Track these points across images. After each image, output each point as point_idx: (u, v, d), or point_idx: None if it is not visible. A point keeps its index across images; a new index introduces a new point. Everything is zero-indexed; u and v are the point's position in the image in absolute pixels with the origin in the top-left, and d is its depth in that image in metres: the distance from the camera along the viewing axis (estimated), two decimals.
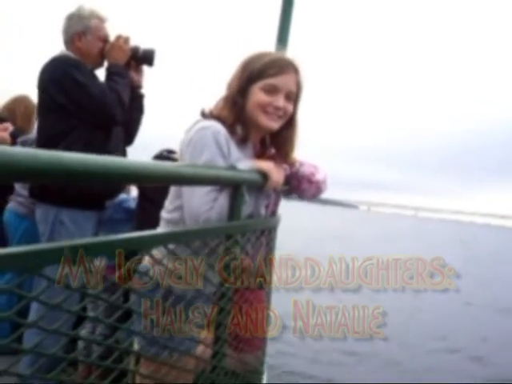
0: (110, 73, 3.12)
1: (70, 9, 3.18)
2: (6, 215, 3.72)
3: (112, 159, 1.13)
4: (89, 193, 3.01)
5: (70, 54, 3.10)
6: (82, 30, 3.11)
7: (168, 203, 2.12)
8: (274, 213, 2.33)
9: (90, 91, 2.92)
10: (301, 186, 2.29)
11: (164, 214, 2.11)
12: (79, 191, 2.97)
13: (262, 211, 2.17)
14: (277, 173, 2.01)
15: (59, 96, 2.92)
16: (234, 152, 2.02)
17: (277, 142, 2.24)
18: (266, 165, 1.99)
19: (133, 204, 3.94)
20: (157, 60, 3.30)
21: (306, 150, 2.41)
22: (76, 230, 2.93)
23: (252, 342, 2.18)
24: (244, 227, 1.79)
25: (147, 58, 3.28)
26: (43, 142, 2.96)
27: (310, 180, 2.28)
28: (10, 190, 3.77)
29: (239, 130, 2.07)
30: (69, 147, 2.81)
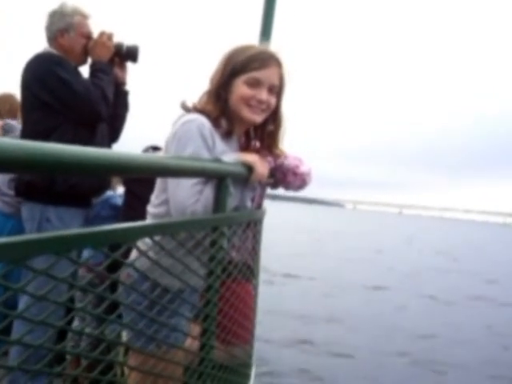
0: (93, 70, 3.11)
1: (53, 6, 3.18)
2: None
3: (98, 150, 1.14)
4: (75, 190, 2.99)
5: (53, 51, 3.09)
6: (64, 27, 3.10)
7: (154, 197, 2.12)
8: (259, 206, 2.35)
9: (74, 88, 2.91)
10: (286, 179, 2.31)
11: (150, 209, 2.11)
12: (66, 188, 2.96)
13: (248, 204, 2.18)
14: (261, 165, 2.02)
15: (43, 93, 2.92)
16: (219, 145, 2.03)
17: (261, 135, 2.25)
18: (251, 157, 2.00)
19: (119, 201, 3.93)
20: (141, 56, 3.29)
21: (293, 148, 2.43)
22: (63, 227, 2.91)
23: (240, 334, 2.19)
24: (230, 219, 1.80)
25: (131, 54, 3.26)
26: (29, 137, 2.91)
27: (294, 172, 2.30)
28: None
29: (223, 123, 2.08)
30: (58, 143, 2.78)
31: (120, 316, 1.37)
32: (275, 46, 2.59)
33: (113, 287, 1.78)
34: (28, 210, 2.97)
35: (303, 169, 2.32)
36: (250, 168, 1.94)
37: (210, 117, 2.04)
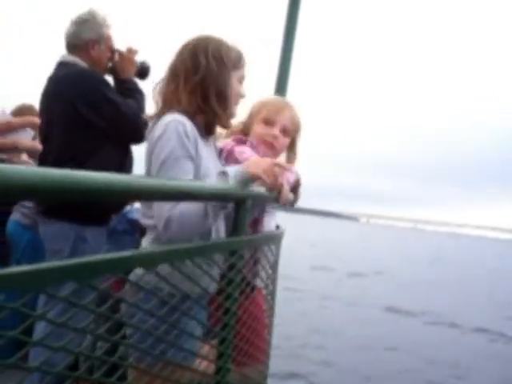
0: (128, 88, 3.08)
1: (79, 11, 3.07)
2: (9, 226, 3.71)
3: (120, 177, 1.13)
4: (104, 208, 2.98)
5: (79, 60, 3.01)
6: (96, 38, 3.03)
7: (144, 208, 2.05)
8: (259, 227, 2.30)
9: (123, 110, 2.87)
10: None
11: (143, 220, 2.06)
12: (105, 209, 2.97)
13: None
14: (270, 174, 1.90)
15: (90, 113, 2.83)
16: (201, 144, 1.98)
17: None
18: (257, 169, 1.87)
19: (136, 215, 3.93)
20: (151, 75, 3.27)
21: (306, 161, 2.43)
22: (96, 246, 2.90)
23: (254, 355, 2.16)
24: (248, 242, 1.78)
25: (143, 72, 3.24)
26: (66, 159, 2.82)
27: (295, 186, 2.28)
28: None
29: (201, 121, 2.04)
30: (98, 165, 2.64)
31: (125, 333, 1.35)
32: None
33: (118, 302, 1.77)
34: (59, 230, 2.88)
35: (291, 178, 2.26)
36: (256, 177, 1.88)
37: (188, 114, 1.98)
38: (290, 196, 2.18)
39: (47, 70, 3.07)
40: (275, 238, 2.16)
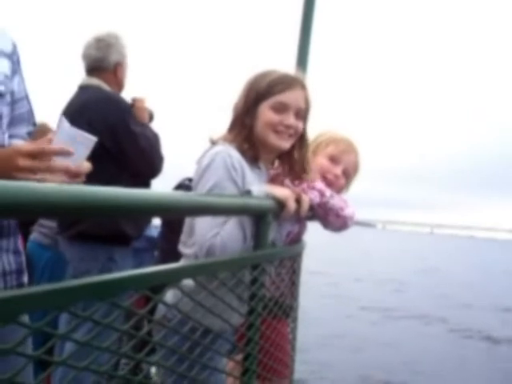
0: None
1: (100, 31, 3.08)
2: (29, 246, 3.73)
3: (140, 192, 1.13)
4: (130, 229, 2.98)
5: (102, 84, 3.00)
6: (122, 60, 3.04)
7: (185, 237, 2.06)
8: (295, 241, 2.29)
9: (142, 145, 2.87)
10: (327, 218, 2.23)
11: (183, 249, 2.06)
12: (134, 230, 2.98)
13: (283, 237, 2.15)
14: (292, 201, 1.90)
15: (110, 143, 2.83)
16: (249, 175, 1.98)
17: (289, 161, 2.18)
18: (282, 192, 1.89)
19: (155, 232, 3.94)
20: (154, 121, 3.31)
21: None
22: (124, 266, 2.91)
23: (278, 370, 2.13)
24: (270, 256, 1.77)
25: (149, 118, 3.27)
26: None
27: (337, 214, 2.22)
28: (32, 221, 3.78)
29: (249, 151, 2.03)
30: None
31: (152, 352, 1.34)
32: (311, 75, 2.58)
33: (149, 321, 1.77)
34: (88, 251, 2.89)
35: (347, 212, 2.24)
36: (281, 203, 1.89)
37: (236, 146, 2.00)
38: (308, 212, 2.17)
39: (46, 84, 3.01)
40: (297, 252, 2.14)
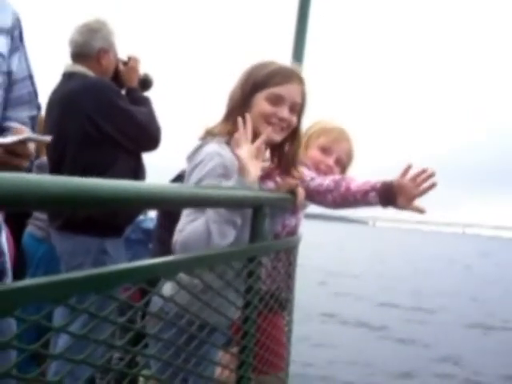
0: (136, 97, 3.06)
1: (84, 18, 3.03)
2: (24, 239, 3.71)
3: (136, 183, 1.13)
4: (121, 218, 2.97)
5: (87, 70, 2.96)
6: (107, 47, 3.00)
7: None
8: (292, 234, 2.27)
9: (138, 119, 2.87)
10: (314, 199, 2.20)
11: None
12: (126, 221, 2.98)
13: (278, 229, 2.15)
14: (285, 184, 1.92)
15: (107, 126, 2.81)
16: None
17: (279, 155, 2.15)
18: (254, 172, 1.85)
19: (150, 224, 3.93)
20: (153, 86, 3.26)
21: None
22: (116, 257, 2.88)
23: (274, 363, 2.13)
24: (267, 248, 1.76)
25: (146, 83, 3.24)
26: (80, 173, 2.73)
27: (318, 191, 2.16)
28: (28, 214, 3.76)
29: None
30: (114, 177, 2.65)
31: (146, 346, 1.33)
32: (306, 68, 2.56)
33: (144, 314, 1.76)
34: (79, 243, 2.85)
35: (327, 183, 2.14)
36: (292, 192, 1.86)
37: (230, 139, 1.97)
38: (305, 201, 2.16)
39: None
40: (293, 245, 2.14)
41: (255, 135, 1.99)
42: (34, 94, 1.87)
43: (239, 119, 1.92)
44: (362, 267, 20.52)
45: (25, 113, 1.80)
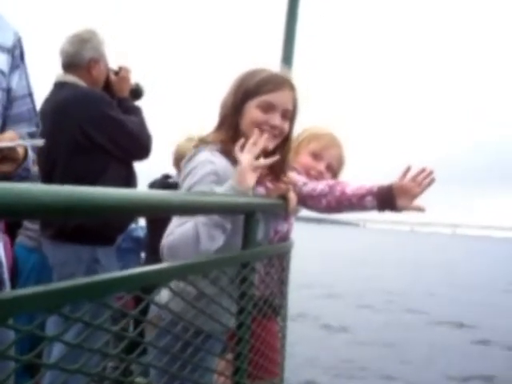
0: (127, 106, 3.07)
1: (75, 28, 3.04)
2: (16, 249, 3.70)
3: (125, 191, 1.13)
4: (113, 227, 2.97)
5: (78, 80, 2.97)
6: (97, 57, 3.01)
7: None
8: (284, 240, 2.27)
9: (129, 129, 2.88)
10: (306, 204, 2.21)
11: None
12: (118, 230, 2.98)
13: (270, 236, 2.15)
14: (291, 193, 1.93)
15: (99, 136, 2.83)
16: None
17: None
18: (250, 178, 1.85)
19: (141, 233, 3.93)
20: (145, 95, 3.28)
21: None
22: (108, 266, 2.87)
23: (268, 369, 2.13)
24: (260, 254, 1.77)
25: (137, 93, 3.26)
26: (71, 183, 2.75)
27: (311, 196, 2.16)
28: (18, 225, 3.75)
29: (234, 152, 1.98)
30: (106, 186, 2.67)
31: (144, 353, 1.33)
32: (296, 72, 2.57)
33: (137, 322, 1.76)
34: (71, 253, 2.84)
35: (320, 188, 2.15)
36: (284, 198, 1.86)
37: (222, 147, 1.98)
38: (297, 206, 2.17)
39: None
40: (286, 250, 2.14)
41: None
42: (34, 111, 1.89)
43: (256, 131, 1.92)
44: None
45: (24, 129, 1.81)
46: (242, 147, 1.88)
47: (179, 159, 3.47)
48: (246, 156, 1.86)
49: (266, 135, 1.94)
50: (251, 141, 1.89)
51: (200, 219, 1.75)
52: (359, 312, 11.45)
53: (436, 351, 8.12)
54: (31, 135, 1.85)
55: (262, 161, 1.90)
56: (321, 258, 24.26)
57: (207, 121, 2.13)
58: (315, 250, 27.10)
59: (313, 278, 15.10)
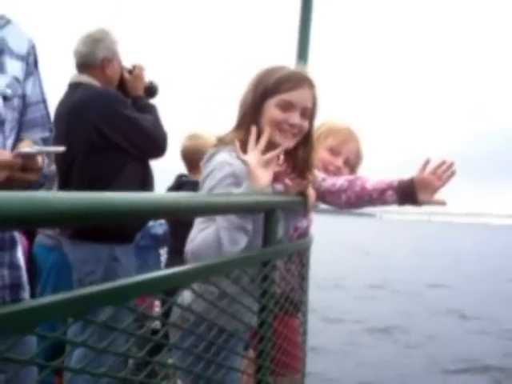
0: (142, 105, 3.08)
1: (89, 28, 3.06)
2: (35, 248, 3.73)
3: (149, 195, 1.12)
4: (132, 225, 2.98)
5: (92, 80, 2.99)
6: (111, 57, 3.02)
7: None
8: (303, 236, 2.27)
9: (144, 127, 2.90)
10: (325, 200, 2.20)
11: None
12: (136, 227, 3.00)
13: (290, 233, 2.14)
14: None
15: (114, 134, 2.85)
16: None
17: (293, 160, 2.11)
18: (264, 178, 1.85)
19: (159, 230, 3.93)
20: (159, 94, 3.28)
21: None
22: (127, 264, 2.90)
23: (290, 365, 2.13)
24: (280, 252, 1.76)
25: (151, 91, 3.25)
26: (90, 183, 2.83)
27: (330, 191, 2.16)
28: None
29: None
30: (122, 185, 2.76)
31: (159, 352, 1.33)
32: (312, 68, 2.55)
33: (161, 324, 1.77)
34: (90, 251, 2.86)
35: (340, 183, 2.15)
36: (302, 194, 1.85)
37: (242, 146, 1.94)
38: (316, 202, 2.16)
39: None
40: (305, 246, 2.14)
41: (269, 142, 1.96)
42: (47, 117, 1.90)
43: (253, 128, 1.91)
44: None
45: (37, 134, 1.83)
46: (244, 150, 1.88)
47: (190, 159, 3.48)
48: (250, 156, 1.85)
49: (266, 133, 1.93)
50: (251, 143, 1.88)
51: (220, 223, 1.75)
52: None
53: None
54: (45, 140, 1.86)
55: (269, 154, 1.88)
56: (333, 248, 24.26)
57: (208, 119, 2.11)
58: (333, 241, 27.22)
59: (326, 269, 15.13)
